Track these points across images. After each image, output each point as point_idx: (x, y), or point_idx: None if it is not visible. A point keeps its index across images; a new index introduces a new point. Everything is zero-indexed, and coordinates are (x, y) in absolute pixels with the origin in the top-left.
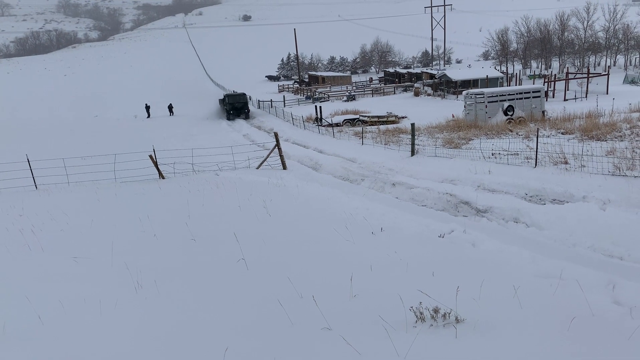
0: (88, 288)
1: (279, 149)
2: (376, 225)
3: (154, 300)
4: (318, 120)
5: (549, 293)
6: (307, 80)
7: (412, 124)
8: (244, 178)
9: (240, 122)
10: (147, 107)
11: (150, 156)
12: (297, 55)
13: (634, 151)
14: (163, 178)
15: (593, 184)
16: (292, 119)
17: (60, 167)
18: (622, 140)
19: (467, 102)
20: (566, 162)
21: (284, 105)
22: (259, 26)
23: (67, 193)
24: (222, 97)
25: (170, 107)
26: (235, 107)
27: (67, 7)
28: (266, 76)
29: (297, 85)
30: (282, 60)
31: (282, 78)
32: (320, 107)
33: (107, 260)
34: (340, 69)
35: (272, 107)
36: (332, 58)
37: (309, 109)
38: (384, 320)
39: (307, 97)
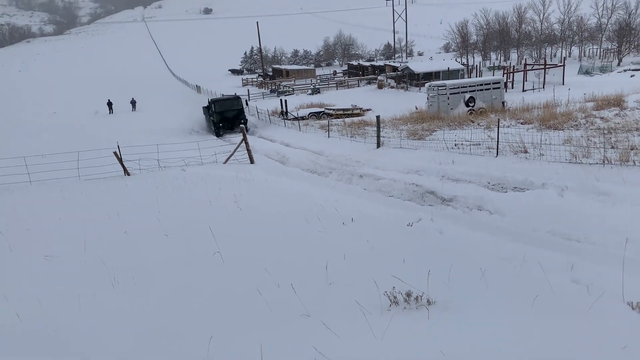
0: (63, 286)
1: (246, 143)
2: (347, 215)
3: (132, 295)
4: (284, 113)
5: (513, 274)
6: (271, 73)
7: (378, 117)
8: (211, 173)
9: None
10: (110, 104)
11: (115, 153)
12: (260, 48)
13: (589, 140)
14: (128, 175)
15: (551, 171)
16: (258, 112)
17: (21, 165)
18: (577, 129)
19: (430, 94)
20: (526, 151)
21: (249, 99)
22: (221, 19)
23: (30, 192)
24: (207, 103)
25: (133, 103)
26: (225, 117)
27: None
28: (229, 70)
29: (262, 79)
30: (245, 53)
31: (245, 72)
32: (285, 100)
33: (79, 258)
34: (304, 62)
35: None
36: (296, 51)
37: (274, 103)
38: (360, 305)
39: (272, 91)
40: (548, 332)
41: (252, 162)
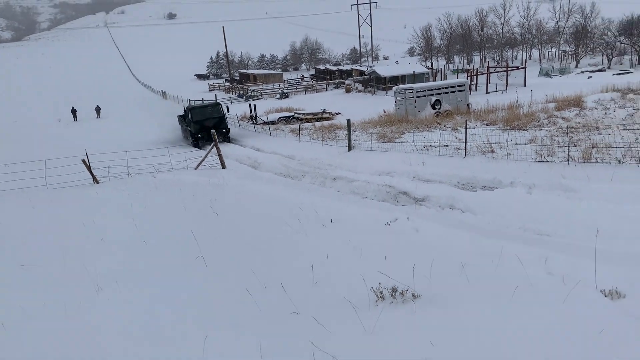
0: (45, 294)
1: (217, 148)
2: (325, 217)
3: (118, 300)
4: (253, 118)
5: (492, 268)
6: (238, 78)
7: (348, 120)
8: (183, 179)
9: (173, 124)
10: (74, 111)
11: (83, 160)
12: (226, 53)
13: (552, 139)
14: (97, 182)
15: (519, 170)
16: (227, 117)
17: None
18: (541, 129)
19: (397, 98)
20: (493, 151)
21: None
22: (185, 24)
23: None
24: (183, 112)
25: (97, 110)
26: (205, 126)
27: None
28: (195, 75)
29: (229, 84)
30: (211, 58)
31: (212, 77)
32: (254, 105)
33: (58, 266)
34: (271, 66)
35: None
36: (263, 56)
37: (242, 108)
38: (348, 301)
39: (240, 96)
40: (529, 320)
41: (223, 167)
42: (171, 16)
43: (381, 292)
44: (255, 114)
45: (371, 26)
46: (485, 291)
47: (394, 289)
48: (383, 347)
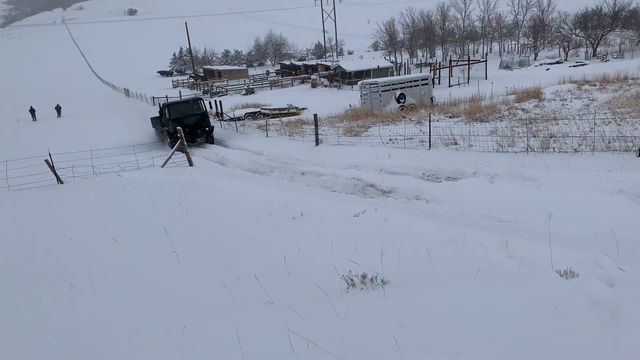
0: (18, 292)
1: (184, 145)
2: (296, 211)
3: (94, 297)
4: (219, 114)
5: (456, 253)
6: (202, 74)
7: (315, 115)
8: (150, 177)
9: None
10: (32, 110)
11: (46, 161)
12: (190, 49)
13: (512, 130)
14: (62, 183)
15: (481, 161)
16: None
17: None
18: (502, 121)
19: (363, 92)
20: (456, 143)
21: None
22: (146, 20)
23: None
24: (159, 111)
25: (58, 109)
26: (184, 125)
27: None
28: (158, 72)
29: (193, 80)
30: (174, 54)
31: (175, 73)
32: (220, 101)
33: (29, 266)
34: (235, 62)
35: None
36: (227, 51)
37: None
38: (321, 289)
39: (205, 92)
40: (490, 299)
41: (190, 164)
42: (132, 12)
43: (352, 280)
44: (222, 110)
45: (335, 21)
46: (450, 275)
47: (364, 276)
48: (355, 330)
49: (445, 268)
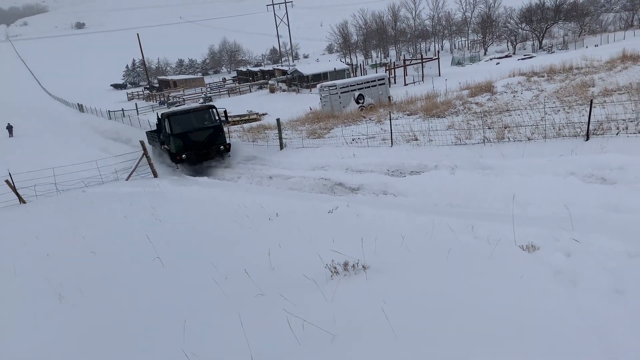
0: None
1: (147, 157)
2: (271, 212)
3: (86, 306)
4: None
5: (427, 238)
6: (157, 85)
7: (278, 120)
8: (116, 191)
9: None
10: None
11: (7, 181)
12: (143, 60)
13: (468, 123)
14: (24, 202)
15: (441, 154)
16: (150, 126)
17: None
18: (457, 115)
19: (322, 95)
20: (416, 139)
21: (138, 113)
22: (96, 34)
23: None
24: (156, 124)
25: (9, 128)
26: (191, 141)
27: None
28: (112, 85)
29: (148, 92)
30: (127, 67)
31: (129, 85)
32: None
33: (11, 281)
34: (190, 71)
35: (124, 116)
36: (181, 61)
37: None
38: (307, 278)
39: (162, 103)
40: (462, 274)
41: (155, 175)
42: (79, 26)
43: (335, 268)
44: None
45: (288, 25)
46: (424, 256)
47: (345, 264)
48: (344, 310)
49: (419, 251)
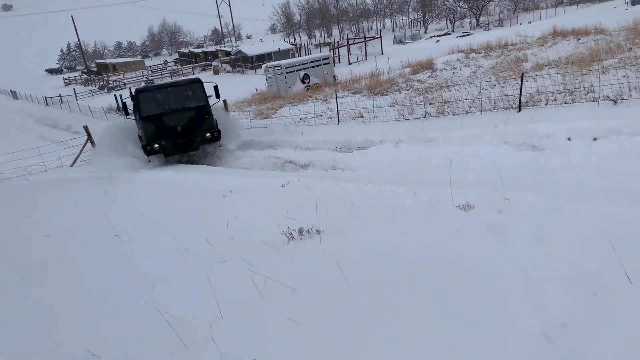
0: None
1: (92, 142)
2: (225, 189)
3: (49, 284)
4: (121, 109)
5: (375, 204)
6: (95, 69)
7: (224, 101)
8: (62, 177)
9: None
10: None
11: None
12: (79, 43)
13: (411, 100)
14: None
15: (386, 130)
16: (91, 111)
17: None
18: (400, 92)
19: (268, 75)
20: (362, 116)
21: (77, 99)
22: (26, 16)
23: None
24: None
25: None
26: (168, 127)
27: None
28: (46, 70)
29: (87, 76)
30: (62, 50)
31: (65, 70)
32: (120, 95)
33: None
34: (129, 54)
35: (62, 102)
36: (119, 43)
37: (107, 100)
38: (266, 243)
39: (101, 87)
40: (405, 231)
41: None
42: (6, 8)
43: (291, 234)
44: (124, 104)
45: (230, 5)
46: (372, 219)
47: (301, 230)
48: (302, 267)
49: (367, 215)
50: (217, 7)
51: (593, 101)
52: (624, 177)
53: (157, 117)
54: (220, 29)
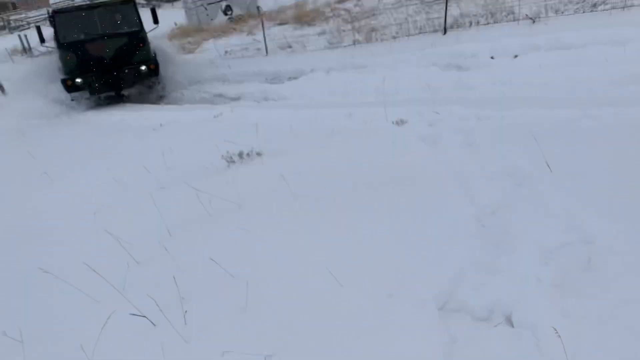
0: None
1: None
2: (154, 123)
3: None
4: (28, 50)
5: (312, 126)
6: None
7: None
8: None
9: None
10: None
11: None
12: None
13: (339, 28)
14: None
15: (315, 59)
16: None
17: None
18: (328, 22)
19: (188, 8)
20: (290, 47)
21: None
22: None
23: None
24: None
25: None
26: (95, 59)
27: None
28: None
29: None
30: None
31: None
32: (25, 35)
33: None
34: None
35: None
36: None
37: (11, 41)
38: (206, 167)
39: (2, 28)
40: (343, 146)
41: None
42: None
43: (231, 157)
44: (38, 28)
45: None
46: (311, 139)
47: (241, 153)
48: (246, 186)
49: (306, 135)
50: None
51: (513, 21)
52: (543, 87)
53: (80, 45)
54: None
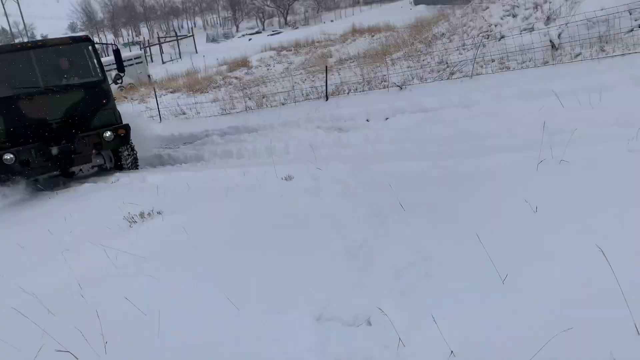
0: None
1: None
2: (49, 192)
3: None
4: None
5: (209, 185)
6: None
7: None
8: None
9: None
10: None
11: None
12: None
13: (231, 96)
14: None
15: (210, 124)
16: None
17: None
18: (220, 89)
19: None
20: (184, 113)
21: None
22: None
23: None
24: None
25: None
26: (35, 123)
27: None
28: None
29: None
30: None
31: None
32: None
33: None
34: None
35: None
36: None
37: None
38: (109, 228)
39: None
40: (238, 201)
41: None
42: None
43: (132, 217)
44: None
45: (18, 2)
46: (209, 196)
47: (142, 213)
48: (149, 241)
49: (203, 192)
50: (3, 5)
51: (384, 88)
52: (405, 143)
53: (9, 102)
54: (9, 29)
